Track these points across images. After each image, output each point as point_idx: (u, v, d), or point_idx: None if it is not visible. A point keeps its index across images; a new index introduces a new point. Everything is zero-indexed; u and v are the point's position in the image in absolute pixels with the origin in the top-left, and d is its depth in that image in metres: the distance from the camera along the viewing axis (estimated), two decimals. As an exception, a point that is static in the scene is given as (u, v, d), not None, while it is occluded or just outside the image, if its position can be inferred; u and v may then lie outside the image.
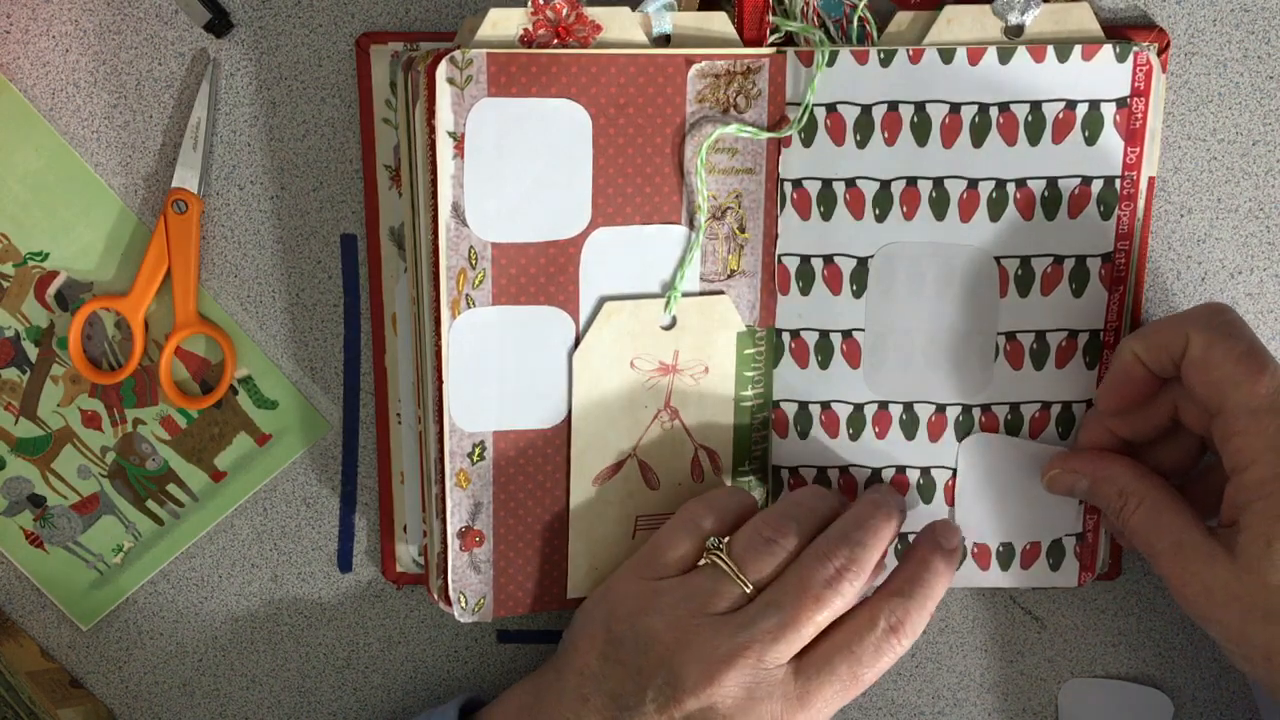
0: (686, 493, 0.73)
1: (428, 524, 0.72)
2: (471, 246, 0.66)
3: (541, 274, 0.67)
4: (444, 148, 0.64)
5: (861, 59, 0.69)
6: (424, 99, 0.64)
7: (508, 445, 0.69)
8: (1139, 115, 0.68)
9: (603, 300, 0.69)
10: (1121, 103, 0.68)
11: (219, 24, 0.73)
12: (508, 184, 0.66)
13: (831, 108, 0.70)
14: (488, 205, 0.66)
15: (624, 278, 0.69)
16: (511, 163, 0.66)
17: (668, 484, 0.73)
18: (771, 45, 0.70)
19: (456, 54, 0.63)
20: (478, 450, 0.69)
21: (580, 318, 0.69)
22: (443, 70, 0.63)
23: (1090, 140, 0.69)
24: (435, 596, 0.73)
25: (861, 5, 0.70)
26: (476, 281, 0.66)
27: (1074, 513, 0.74)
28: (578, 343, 0.69)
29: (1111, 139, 0.69)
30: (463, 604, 0.71)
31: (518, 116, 0.65)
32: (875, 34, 0.70)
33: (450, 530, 0.70)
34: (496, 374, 0.68)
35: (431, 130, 0.64)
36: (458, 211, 0.65)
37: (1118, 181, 0.69)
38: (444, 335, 0.66)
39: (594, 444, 0.71)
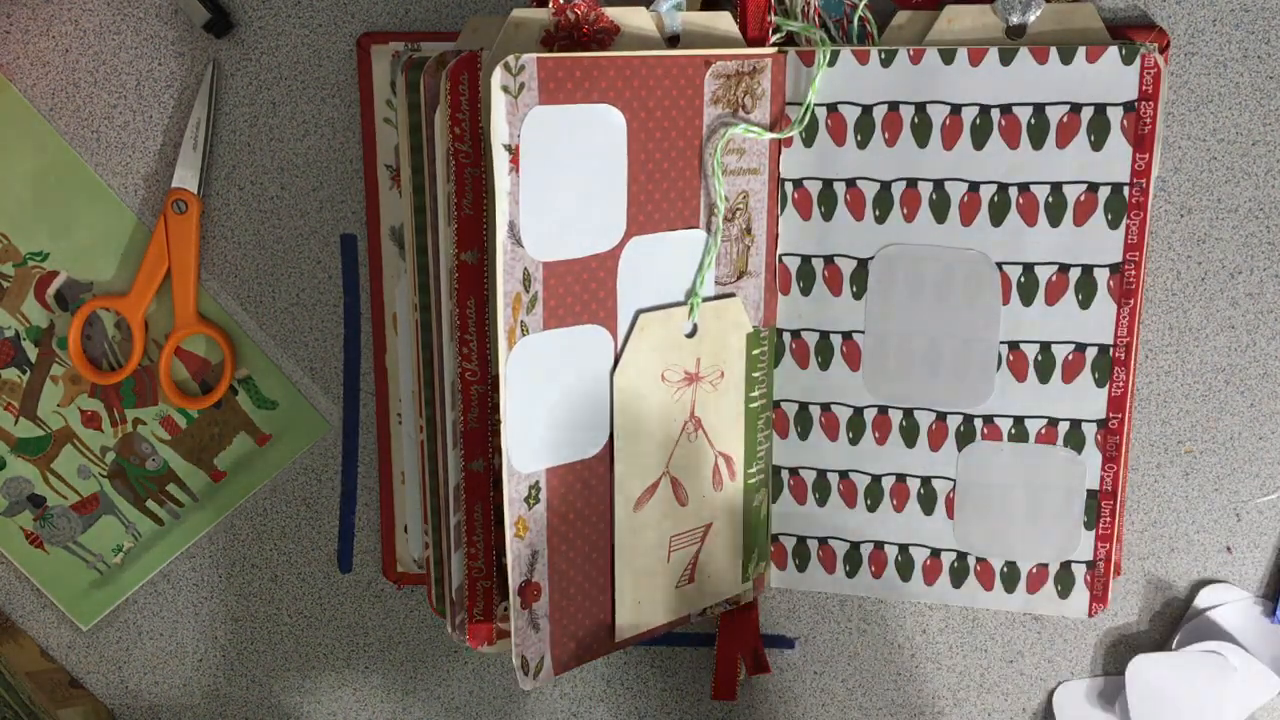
0: (710, 504, 0.73)
1: (430, 540, 0.71)
2: (525, 269, 0.63)
3: (585, 291, 0.65)
4: (500, 162, 0.60)
5: (862, 59, 0.69)
6: (446, 105, 0.62)
7: (559, 482, 0.67)
8: (1147, 120, 0.67)
9: (638, 313, 0.68)
10: (1129, 107, 0.67)
11: (219, 24, 0.73)
12: (557, 197, 0.63)
13: (833, 108, 0.70)
14: (541, 222, 0.63)
15: (653, 288, 0.68)
16: (560, 174, 0.63)
17: (694, 497, 0.72)
18: (773, 45, 0.70)
19: (510, 60, 0.60)
20: (533, 493, 0.66)
21: (619, 333, 0.67)
22: (498, 78, 0.59)
23: (1096, 145, 0.68)
24: (452, 629, 0.70)
25: (862, 5, 0.70)
26: (529, 306, 0.63)
27: (1082, 536, 0.73)
28: (617, 361, 0.67)
29: (1119, 144, 0.68)
30: (525, 669, 0.68)
31: (565, 124, 0.62)
32: (876, 33, 0.70)
33: (512, 587, 0.65)
34: (546, 405, 0.65)
35: (455, 138, 0.63)
36: (514, 231, 0.62)
37: (1126, 189, 0.68)
38: (502, 369, 0.62)
39: (634, 467, 0.69)
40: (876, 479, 0.74)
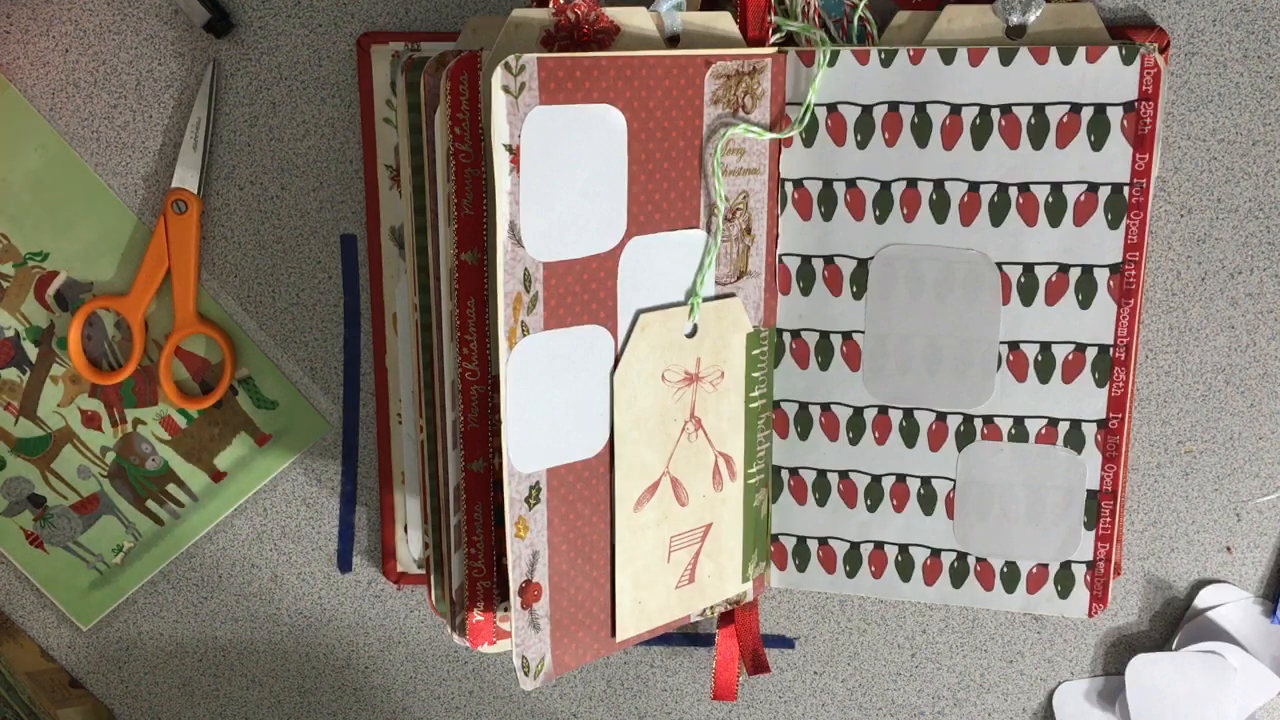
0: (710, 504, 0.73)
1: (430, 540, 0.71)
2: (526, 269, 0.63)
3: (585, 291, 0.65)
4: (501, 162, 0.60)
5: (862, 59, 0.69)
6: (446, 105, 0.62)
7: (559, 483, 0.67)
8: (1147, 120, 0.67)
9: (639, 313, 0.68)
10: (1129, 107, 0.67)
11: (219, 24, 0.73)
12: (558, 197, 0.63)
13: (833, 108, 0.70)
14: (541, 222, 0.63)
15: (653, 288, 0.68)
16: (560, 174, 0.63)
17: (694, 497, 0.72)
18: (773, 45, 0.70)
19: (510, 60, 0.60)
20: (534, 494, 0.66)
21: (619, 333, 0.67)
22: (498, 78, 0.59)
23: (1096, 145, 0.68)
24: (452, 630, 0.70)
25: (862, 5, 0.70)
26: (530, 306, 0.63)
27: (1082, 536, 0.73)
28: (617, 362, 0.67)
29: (1119, 144, 0.68)
30: (526, 669, 0.67)
31: (565, 124, 0.62)
32: (876, 33, 0.70)
33: (512, 587, 0.65)
34: (547, 405, 0.65)
35: (455, 138, 0.63)
36: (514, 231, 0.62)
37: (1125, 189, 0.68)
38: (503, 369, 0.62)
39: (634, 467, 0.69)
40: (876, 479, 0.74)
